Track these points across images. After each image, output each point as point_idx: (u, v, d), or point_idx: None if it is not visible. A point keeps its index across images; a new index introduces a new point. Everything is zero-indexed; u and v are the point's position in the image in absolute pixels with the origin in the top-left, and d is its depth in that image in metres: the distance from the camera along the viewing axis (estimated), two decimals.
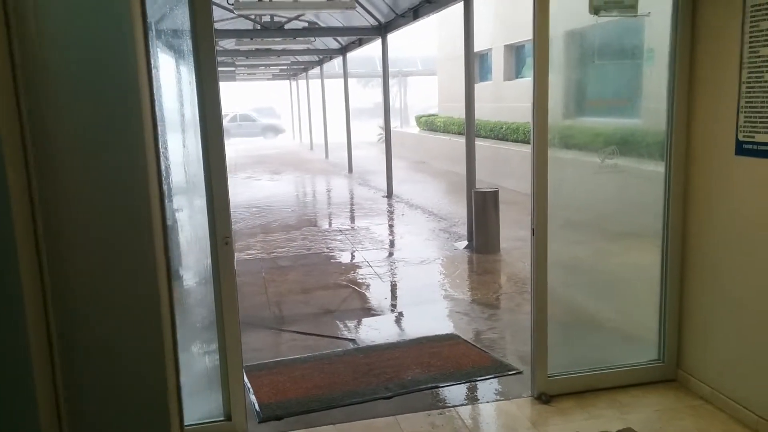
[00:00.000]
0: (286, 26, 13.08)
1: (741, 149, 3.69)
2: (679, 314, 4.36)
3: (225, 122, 37.92)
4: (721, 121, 3.83)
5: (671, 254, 4.29)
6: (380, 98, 14.46)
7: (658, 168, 4.27)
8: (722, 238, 3.93)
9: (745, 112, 3.64)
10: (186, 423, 3.81)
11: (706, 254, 4.08)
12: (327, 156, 23.41)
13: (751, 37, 3.55)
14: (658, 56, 4.19)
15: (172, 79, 3.85)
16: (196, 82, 3.46)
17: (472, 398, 4.41)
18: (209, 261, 3.67)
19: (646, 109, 4.45)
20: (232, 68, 23.25)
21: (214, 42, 3.45)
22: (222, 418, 3.85)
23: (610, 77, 4.44)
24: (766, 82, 3.48)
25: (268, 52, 17.65)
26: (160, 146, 2.50)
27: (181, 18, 3.43)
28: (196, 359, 4.08)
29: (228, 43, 15.80)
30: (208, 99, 3.49)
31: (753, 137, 3.59)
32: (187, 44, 3.47)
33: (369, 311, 6.44)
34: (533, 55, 3.88)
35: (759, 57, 3.50)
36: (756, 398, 3.76)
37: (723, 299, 3.96)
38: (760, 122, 3.53)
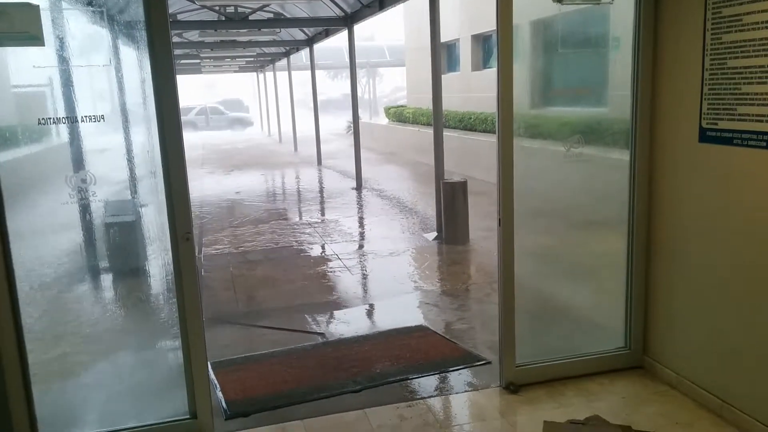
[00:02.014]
0: (251, 17, 12.91)
1: (705, 136, 3.71)
2: (645, 301, 4.38)
3: (192, 115, 37.34)
4: (684, 109, 3.84)
5: (637, 242, 4.31)
6: (349, 90, 14.36)
7: (623, 156, 4.28)
8: (687, 225, 3.95)
9: (708, 99, 3.65)
10: (150, 422, 3.77)
11: (672, 242, 4.11)
12: (296, 148, 23.26)
13: (713, 23, 3.56)
14: (623, 44, 4.19)
15: (132, 73, 3.74)
16: (152, 74, 3.36)
17: (440, 389, 4.39)
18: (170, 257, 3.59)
19: (611, 97, 4.45)
20: (198, 60, 22.92)
21: (169, 33, 3.35)
22: (187, 416, 3.77)
23: (575, 66, 4.43)
24: (729, 68, 3.49)
25: (234, 44, 17.42)
26: None
27: (136, 9, 3.34)
28: (160, 357, 4.00)
29: (192, 35, 15.57)
30: (164, 92, 3.39)
31: (716, 124, 3.61)
32: (143, 36, 3.37)
33: (338, 304, 6.39)
34: (497, 45, 3.85)
35: (722, 43, 3.51)
36: (720, 383, 3.79)
37: (688, 286, 3.99)
38: (724, 109, 3.54)
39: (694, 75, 3.73)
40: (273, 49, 21.69)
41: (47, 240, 3.84)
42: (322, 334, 5.51)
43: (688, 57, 3.77)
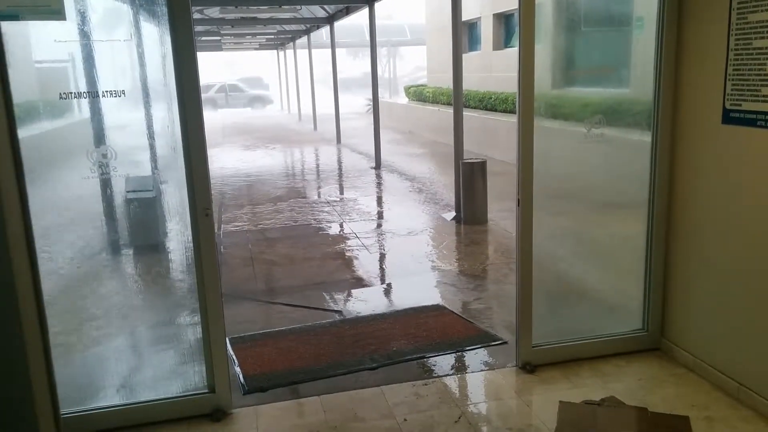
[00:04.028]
0: None
1: (728, 118, 3.66)
2: (663, 284, 4.35)
3: (212, 93, 37.22)
4: (708, 89, 3.79)
5: (657, 224, 4.28)
6: (369, 69, 14.29)
7: (644, 137, 4.23)
8: (708, 208, 3.91)
9: (732, 79, 3.60)
10: (168, 396, 3.82)
11: (692, 224, 4.07)
12: (315, 127, 23.24)
13: (739, 2, 3.49)
14: (646, 24, 4.13)
15: (153, 49, 3.75)
16: (173, 50, 3.37)
17: (457, 368, 4.41)
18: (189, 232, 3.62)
19: (633, 77, 4.40)
20: (218, 37, 22.92)
21: (190, 8, 3.35)
22: (205, 391, 3.83)
23: (597, 46, 4.38)
24: (754, 49, 3.43)
25: (254, 21, 17.39)
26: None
27: None
28: (179, 331, 4.05)
29: (212, 11, 15.54)
30: (184, 68, 3.40)
31: (740, 105, 3.55)
32: (163, 11, 3.38)
33: (356, 283, 6.42)
34: (519, 24, 3.81)
35: (747, 23, 3.45)
36: (738, 366, 3.77)
37: (707, 268, 3.96)
38: (748, 90, 3.49)
39: (718, 55, 3.67)
40: (293, 27, 21.59)
41: (68, 214, 3.88)
42: (339, 312, 5.54)
43: (713, 37, 3.71)
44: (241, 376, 4.30)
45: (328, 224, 9.01)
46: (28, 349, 3.21)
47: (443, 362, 4.48)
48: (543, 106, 4.05)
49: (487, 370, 4.36)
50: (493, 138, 14.27)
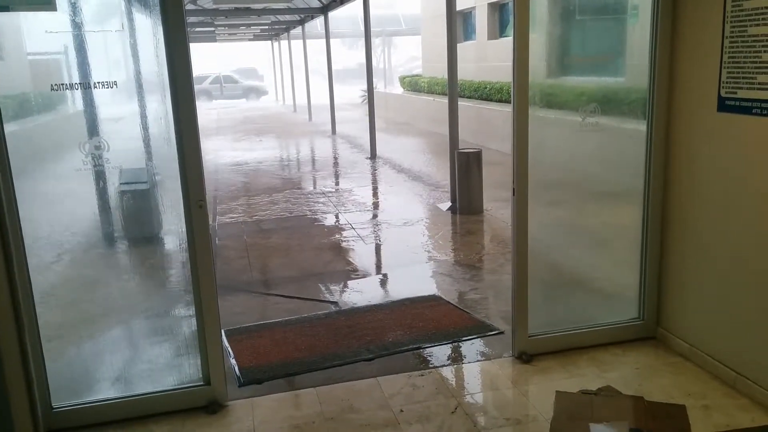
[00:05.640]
0: None
1: (723, 106, 3.64)
2: (659, 272, 4.35)
3: (206, 84, 37.01)
4: (703, 77, 3.77)
5: (652, 213, 4.27)
6: (364, 59, 14.25)
7: (639, 126, 4.22)
8: (703, 196, 3.90)
9: (728, 67, 3.58)
10: (163, 388, 3.81)
11: (687, 212, 4.06)
12: (310, 118, 23.19)
13: None
14: (641, 12, 4.11)
15: (146, 39, 3.72)
16: (165, 40, 3.33)
17: (453, 359, 4.41)
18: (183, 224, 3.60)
19: (628, 66, 4.38)
20: (212, 28, 22.80)
21: None
22: (201, 383, 3.81)
23: (592, 34, 4.36)
24: (749, 36, 3.41)
25: (248, 11, 17.29)
26: None
27: None
28: (174, 323, 4.03)
29: (206, 2, 15.46)
30: (177, 58, 3.36)
31: (735, 93, 3.54)
32: (155, 1, 3.34)
33: (351, 274, 6.41)
34: (513, 12, 3.78)
35: (743, 10, 3.43)
36: (734, 355, 3.78)
37: (703, 257, 3.96)
38: (743, 78, 3.47)
39: (713, 43, 3.66)
40: (287, 17, 21.49)
41: (61, 207, 3.86)
42: (335, 303, 5.53)
43: (708, 24, 3.69)
44: (236, 368, 4.29)
45: (324, 215, 8.99)
46: (1, 344, 3.18)
47: (439, 353, 4.47)
48: (538, 95, 4.03)
49: (484, 360, 4.36)
50: (488, 128, 14.25)
